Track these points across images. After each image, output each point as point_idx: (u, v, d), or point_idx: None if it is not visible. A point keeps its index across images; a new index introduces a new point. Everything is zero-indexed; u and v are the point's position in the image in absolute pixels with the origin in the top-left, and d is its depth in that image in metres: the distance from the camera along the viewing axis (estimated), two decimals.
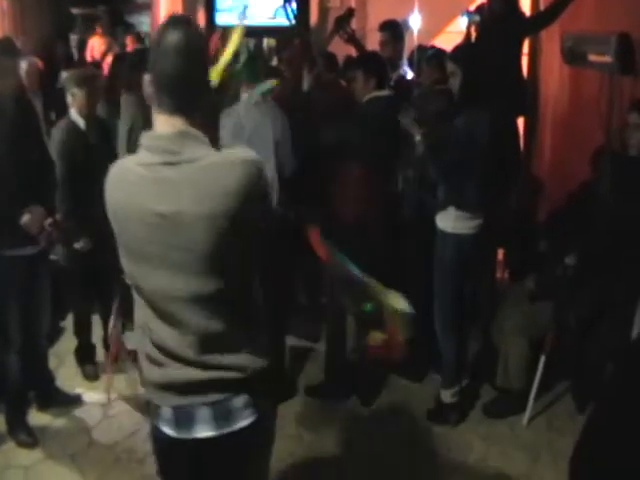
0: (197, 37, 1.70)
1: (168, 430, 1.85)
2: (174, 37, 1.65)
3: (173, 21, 1.69)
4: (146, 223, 1.69)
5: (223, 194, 1.65)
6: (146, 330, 1.82)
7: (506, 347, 3.76)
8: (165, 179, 1.67)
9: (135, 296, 1.84)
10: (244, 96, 3.75)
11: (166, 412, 1.84)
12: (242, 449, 1.87)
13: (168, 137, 1.69)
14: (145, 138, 1.73)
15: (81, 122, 3.83)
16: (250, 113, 3.62)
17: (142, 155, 1.72)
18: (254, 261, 1.81)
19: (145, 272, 1.75)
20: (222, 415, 1.80)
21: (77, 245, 3.81)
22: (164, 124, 1.71)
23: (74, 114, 3.83)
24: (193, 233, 1.66)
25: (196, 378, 1.78)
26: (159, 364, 1.81)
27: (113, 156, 4.00)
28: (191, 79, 1.69)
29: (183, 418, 1.82)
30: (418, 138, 3.56)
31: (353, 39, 4.75)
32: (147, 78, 1.73)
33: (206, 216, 1.64)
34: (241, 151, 1.76)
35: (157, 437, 1.91)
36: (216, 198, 1.64)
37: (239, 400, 1.81)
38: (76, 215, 3.71)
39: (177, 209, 1.65)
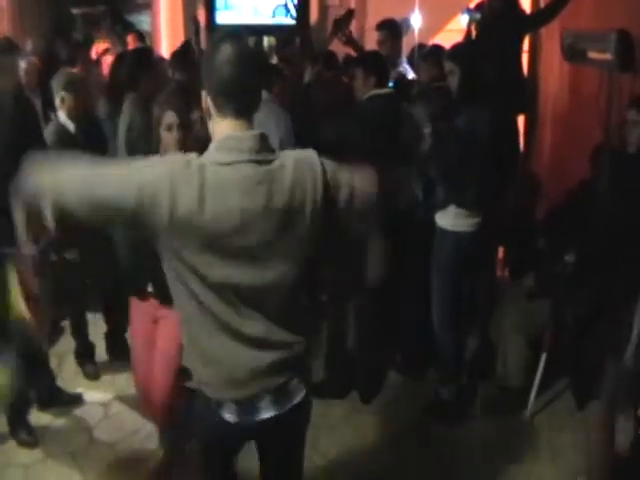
0: (251, 48, 1.95)
1: (230, 417, 1.97)
2: (235, 48, 1.81)
3: (229, 35, 1.85)
4: (233, 219, 1.78)
5: (310, 189, 1.86)
6: (200, 331, 1.92)
7: (505, 345, 3.76)
8: (253, 175, 1.80)
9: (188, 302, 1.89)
10: None
11: (229, 406, 1.96)
12: (296, 422, 2.10)
13: (246, 137, 1.82)
14: (220, 140, 1.84)
15: (70, 125, 3.76)
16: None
17: (216, 155, 1.82)
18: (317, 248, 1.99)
19: (223, 266, 1.82)
20: (282, 396, 1.99)
21: (68, 256, 3.76)
22: (230, 127, 1.84)
23: (63, 117, 3.76)
24: (282, 225, 1.83)
25: (260, 363, 1.92)
26: (220, 363, 1.93)
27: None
28: (252, 85, 1.86)
29: (247, 408, 1.97)
30: (428, 131, 3.55)
31: (351, 41, 4.74)
32: (204, 93, 1.86)
33: (295, 209, 1.84)
34: (297, 151, 1.97)
35: (214, 426, 2.01)
36: (304, 192, 1.85)
37: (295, 379, 2.00)
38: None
39: (265, 203, 1.80)
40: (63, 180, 1.81)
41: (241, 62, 1.80)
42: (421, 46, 5.11)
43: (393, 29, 4.83)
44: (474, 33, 4.86)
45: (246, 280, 1.84)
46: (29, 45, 5.47)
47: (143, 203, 1.73)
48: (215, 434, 2.07)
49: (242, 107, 1.84)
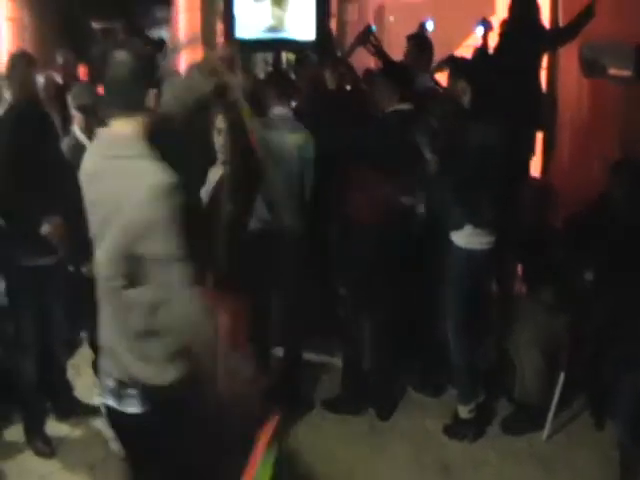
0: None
1: None
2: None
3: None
4: None
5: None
6: None
7: (522, 361, 3.72)
8: None
9: None
10: (273, 111, 3.77)
11: None
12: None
13: None
14: None
15: (84, 139, 3.72)
16: (276, 131, 3.64)
17: None
18: None
19: None
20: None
21: (84, 269, 3.74)
22: None
23: (77, 131, 3.76)
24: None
25: None
26: None
27: None
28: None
29: None
30: (429, 156, 3.54)
31: (380, 52, 4.71)
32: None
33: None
34: None
35: None
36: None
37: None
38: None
39: None
40: None
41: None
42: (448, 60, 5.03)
43: (420, 42, 4.80)
44: (490, 45, 4.83)
45: None
46: (59, 59, 5.51)
47: None
48: None
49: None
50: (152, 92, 2.03)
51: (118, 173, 1.95)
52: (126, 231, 1.91)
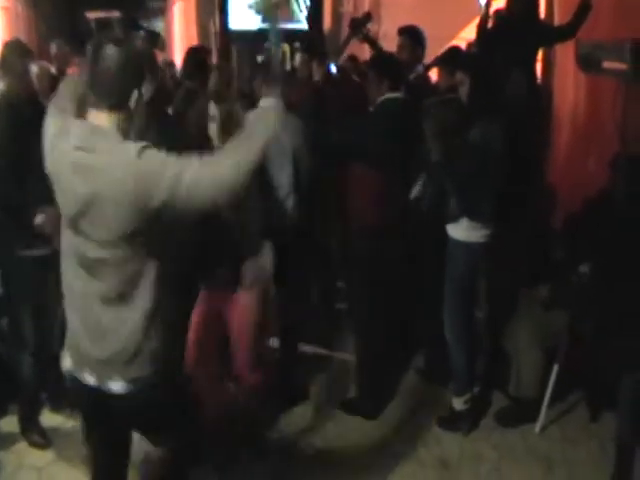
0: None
1: None
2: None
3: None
4: None
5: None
6: None
7: (519, 355, 3.73)
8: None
9: None
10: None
11: None
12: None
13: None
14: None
15: None
16: None
17: None
18: None
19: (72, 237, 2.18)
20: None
21: None
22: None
23: None
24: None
25: None
26: None
27: None
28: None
29: None
30: (433, 145, 3.52)
31: (368, 38, 4.69)
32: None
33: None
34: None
35: None
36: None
37: None
38: None
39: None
40: None
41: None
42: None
43: (413, 35, 4.78)
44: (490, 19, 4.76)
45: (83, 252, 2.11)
46: (53, 49, 5.48)
47: None
48: None
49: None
50: (135, 92, 2.10)
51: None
52: None
